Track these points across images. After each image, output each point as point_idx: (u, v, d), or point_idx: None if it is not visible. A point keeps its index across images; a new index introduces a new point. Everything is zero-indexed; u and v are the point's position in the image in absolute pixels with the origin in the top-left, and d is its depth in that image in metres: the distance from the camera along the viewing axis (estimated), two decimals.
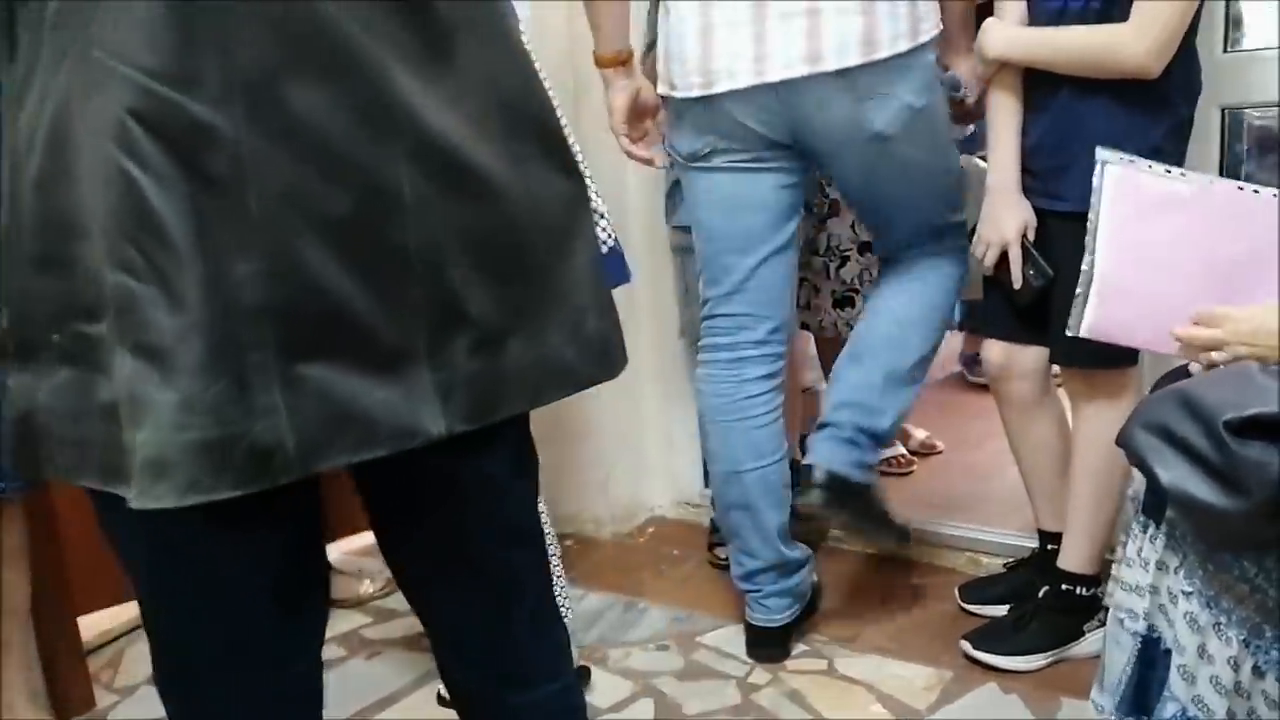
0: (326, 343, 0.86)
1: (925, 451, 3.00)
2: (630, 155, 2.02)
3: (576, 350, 1.00)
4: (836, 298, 2.63)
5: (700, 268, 2.10)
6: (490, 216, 0.92)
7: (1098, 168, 1.43)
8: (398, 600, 2.36)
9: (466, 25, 0.91)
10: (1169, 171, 1.42)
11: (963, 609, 2.24)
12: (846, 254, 2.60)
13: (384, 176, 0.86)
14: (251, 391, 0.83)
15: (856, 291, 2.62)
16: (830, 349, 2.87)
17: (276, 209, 0.82)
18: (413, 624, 2.20)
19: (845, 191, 2.17)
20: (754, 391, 2.06)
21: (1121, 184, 1.42)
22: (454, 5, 0.90)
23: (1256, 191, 1.38)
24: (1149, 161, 1.43)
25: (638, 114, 1.98)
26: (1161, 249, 1.41)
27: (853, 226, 2.58)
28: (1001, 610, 2.16)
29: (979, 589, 2.28)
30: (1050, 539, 2.10)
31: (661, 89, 1.98)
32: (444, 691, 1.82)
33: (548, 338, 0.97)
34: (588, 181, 1.26)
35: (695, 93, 1.91)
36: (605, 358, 1.04)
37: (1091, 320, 1.46)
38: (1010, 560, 2.34)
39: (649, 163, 2.04)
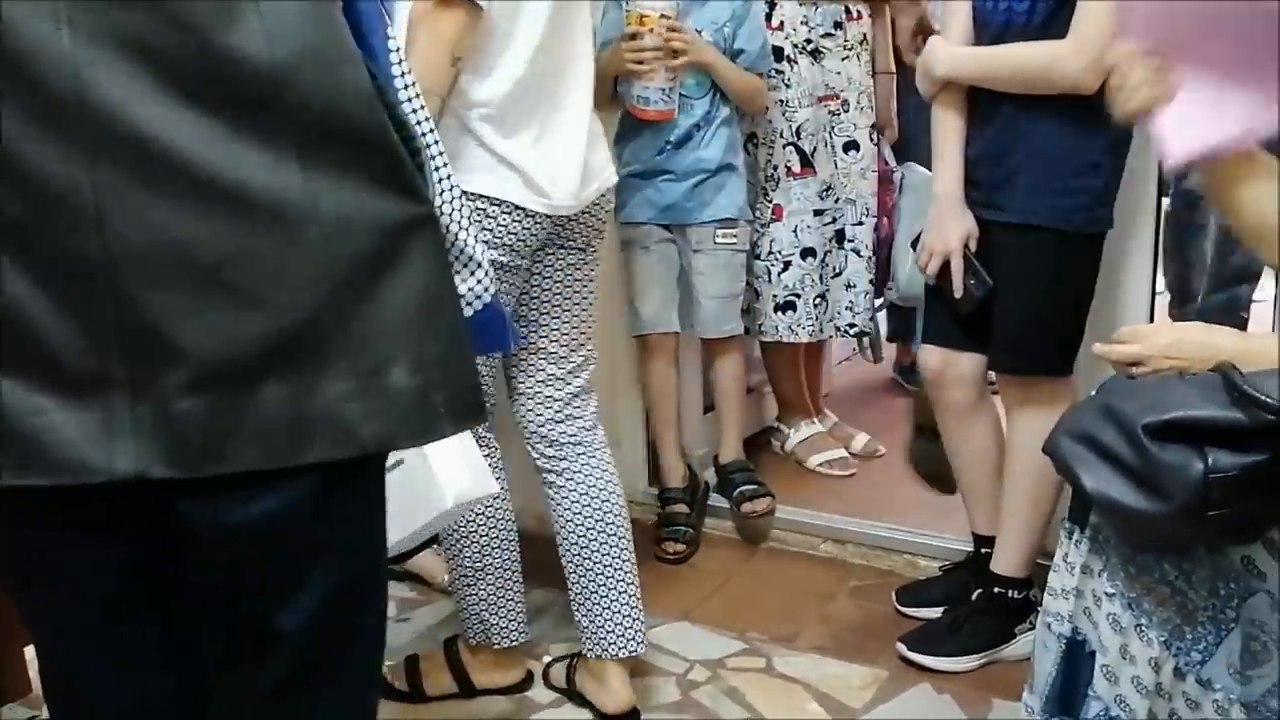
0: (4, 353, 0.79)
1: (867, 455, 3.03)
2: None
3: (369, 406, 0.84)
4: (778, 302, 2.64)
5: None
6: (237, 237, 0.79)
7: None
8: None
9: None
10: None
11: (899, 611, 2.27)
12: (789, 259, 2.62)
13: (62, 181, 0.76)
14: None
15: (798, 296, 2.64)
16: (773, 352, 2.91)
17: None
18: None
19: None
20: None
21: None
22: None
23: None
24: None
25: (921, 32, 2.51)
26: None
27: (795, 232, 2.61)
28: (937, 613, 2.19)
29: (915, 591, 2.31)
30: (984, 543, 2.14)
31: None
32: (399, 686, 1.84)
33: (323, 386, 0.82)
34: (462, 208, 1.09)
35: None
36: (413, 418, 0.86)
37: None
38: (946, 564, 2.38)
39: None
